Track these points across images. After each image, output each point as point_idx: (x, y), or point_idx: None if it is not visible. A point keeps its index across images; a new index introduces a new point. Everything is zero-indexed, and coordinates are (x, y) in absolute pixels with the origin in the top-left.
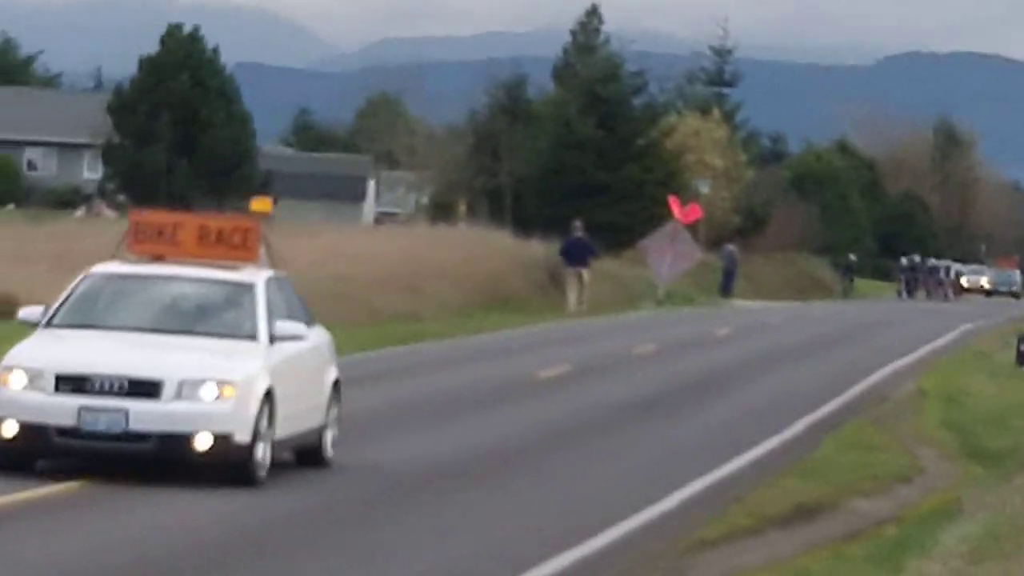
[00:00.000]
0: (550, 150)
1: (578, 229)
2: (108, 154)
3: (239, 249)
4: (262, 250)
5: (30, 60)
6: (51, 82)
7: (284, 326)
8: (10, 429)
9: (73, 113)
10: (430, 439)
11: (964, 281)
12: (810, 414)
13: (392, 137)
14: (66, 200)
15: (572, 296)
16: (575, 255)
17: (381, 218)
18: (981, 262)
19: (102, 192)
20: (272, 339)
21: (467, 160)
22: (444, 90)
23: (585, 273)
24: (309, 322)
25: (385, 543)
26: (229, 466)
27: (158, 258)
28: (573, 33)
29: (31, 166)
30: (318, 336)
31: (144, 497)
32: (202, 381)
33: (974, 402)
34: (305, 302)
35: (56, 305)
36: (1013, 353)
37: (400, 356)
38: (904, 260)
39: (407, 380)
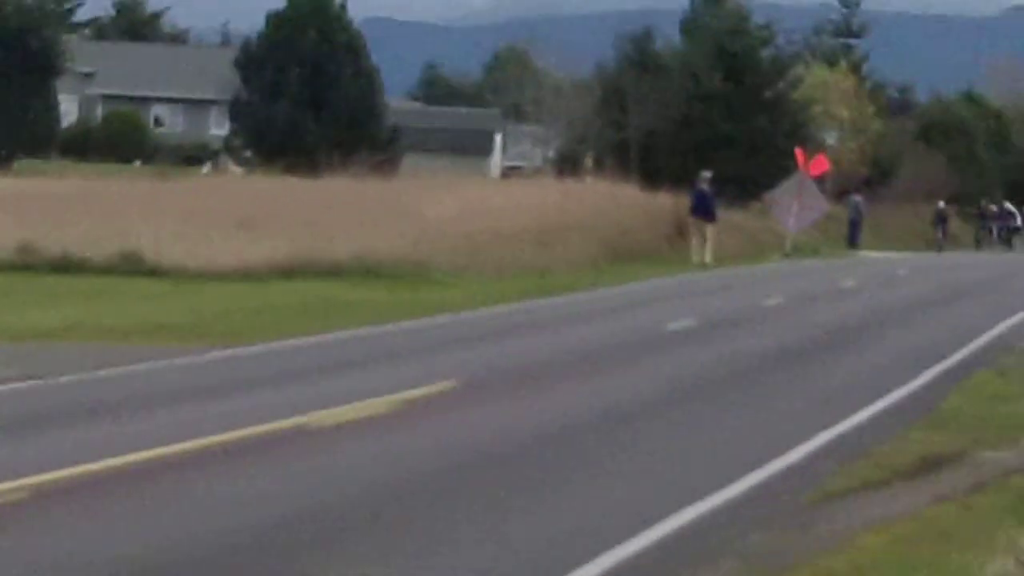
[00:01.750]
0: (678, 103)
1: (704, 181)
2: (235, 110)
3: None
4: None
5: (157, 16)
6: (178, 38)
7: None
8: None
9: (200, 69)
10: (557, 394)
11: None
12: (936, 365)
13: (519, 91)
14: (193, 156)
15: (698, 246)
16: (696, 207)
17: (508, 172)
18: None
19: (228, 148)
20: None
21: (594, 113)
22: (571, 43)
23: (709, 227)
24: None
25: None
26: None
27: None
28: None
29: (158, 122)
30: None
31: None
32: None
33: None
34: None
35: None
36: None
37: (529, 310)
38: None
39: (535, 334)
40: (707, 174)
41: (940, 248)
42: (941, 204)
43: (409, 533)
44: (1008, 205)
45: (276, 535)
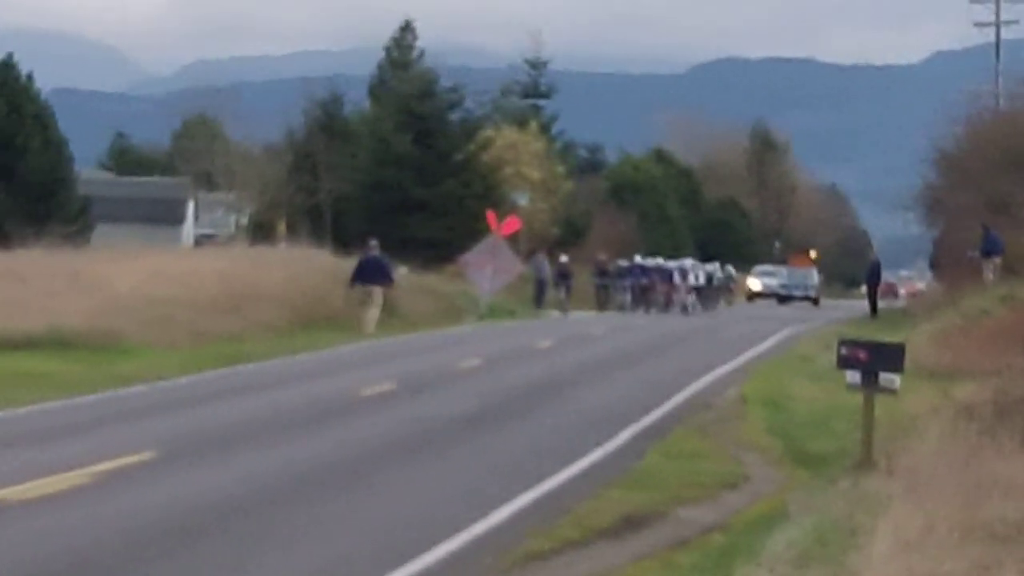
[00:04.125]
0: (368, 167)
1: (373, 248)
2: None
3: None
4: None
5: None
6: None
7: None
8: None
9: None
10: (251, 461)
11: (756, 284)
12: (635, 424)
13: (209, 158)
14: None
15: (366, 315)
16: (368, 273)
17: (201, 240)
18: (776, 261)
19: None
20: None
21: (286, 179)
22: (260, 109)
23: (376, 292)
24: None
25: None
26: None
27: None
28: (387, 50)
29: None
30: None
31: None
32: None
33: (797, 406)
34: None
35: None
36: (834, 356)
37: (223, 378)
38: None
39: (230, 401)
40: (374, 241)
41: (565, 309)
42: (563, 259)
43: None
44: (639, 259)
45: None
